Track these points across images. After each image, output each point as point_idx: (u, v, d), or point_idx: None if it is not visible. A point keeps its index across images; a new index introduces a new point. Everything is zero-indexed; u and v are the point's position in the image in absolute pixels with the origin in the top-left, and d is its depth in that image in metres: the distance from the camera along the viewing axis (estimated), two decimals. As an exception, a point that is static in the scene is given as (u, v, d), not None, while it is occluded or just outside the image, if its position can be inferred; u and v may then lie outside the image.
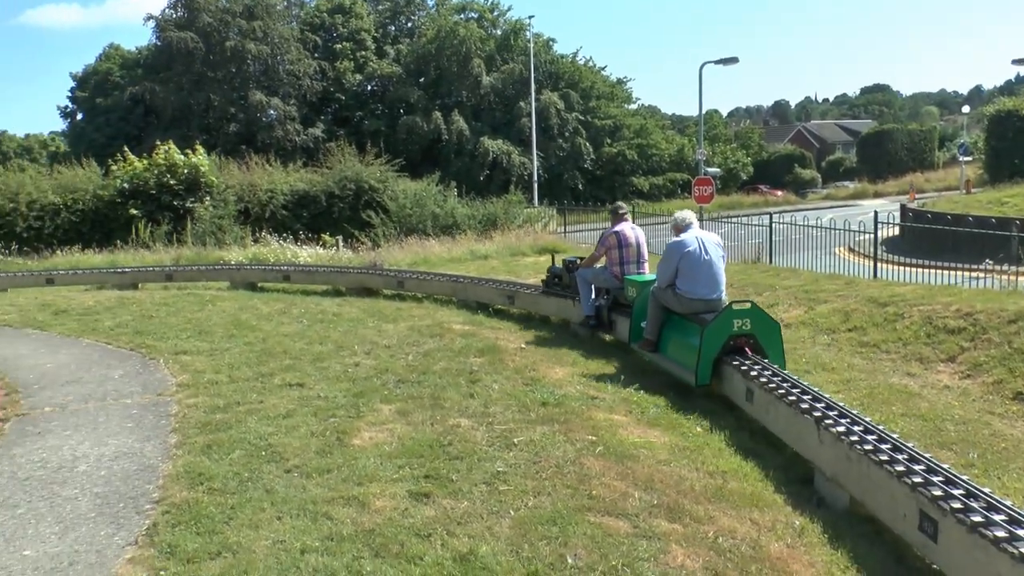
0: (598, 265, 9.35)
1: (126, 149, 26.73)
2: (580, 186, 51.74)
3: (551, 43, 54.86)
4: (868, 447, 4.43)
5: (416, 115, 49.41)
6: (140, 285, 15.19)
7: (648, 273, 8.88)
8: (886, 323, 8.95)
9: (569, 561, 3.82)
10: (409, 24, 58.45)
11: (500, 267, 15.76)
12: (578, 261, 9.96)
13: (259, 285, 14.23)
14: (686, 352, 7.07)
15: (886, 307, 9.30)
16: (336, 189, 26.79)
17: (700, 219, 20.82)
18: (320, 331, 9.47)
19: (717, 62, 25.46)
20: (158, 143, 26.85)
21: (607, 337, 9.17)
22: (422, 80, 52.95)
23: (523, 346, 8.39)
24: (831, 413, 4.99)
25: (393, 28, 58.33)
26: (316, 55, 51.96)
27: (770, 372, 6.00)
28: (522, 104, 49.38)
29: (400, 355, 8.03)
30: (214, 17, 47.94)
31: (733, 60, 25.36)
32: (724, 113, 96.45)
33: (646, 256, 9.20)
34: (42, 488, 5.15)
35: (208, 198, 24.37)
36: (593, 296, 9.26)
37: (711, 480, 4.84)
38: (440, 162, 46.52)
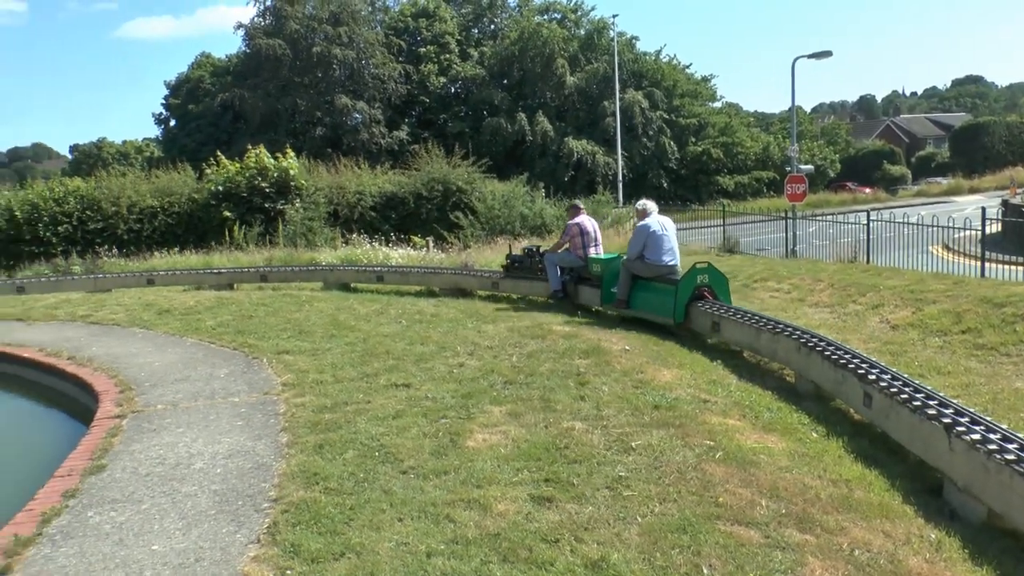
0: (561, 250, 11.75)
1: (219, 153, 27.32)
2: (665, 185, 51.22)
3: (634, 41, 54.48)
4: (1010, 456, 4.19)
5: (500, 117, 49.56)
6: (236, 285, 15.46)
7: (603, 253, 11.59)
8: (1004, 325, 8.56)
9: (705, 572, 3.69)
10: (492, 26, 58.66)
11: (589, 268, 15.63)
12: (535, 249, 12.67)
13: (352, 286, 14.35)
14: (658, 303, 9.71)
15: (1003, 308, 8.90)
16: (424, 191, 26.97)
17: (792, 217, 20.49)
18: (420, 331, 9.46)
19: (810, 56, 24.81)
20: (248, 147, 27.40)
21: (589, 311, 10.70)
22: (506, 82, 53.12)
23: (627, 348, 8.24)
24: (962, 419, 4.75)
25: (476, 31, 58.64)
26: (400, 59, 52.53)
27: (889, 376, 5.77)
28: (606, 104, 49.15)
29: (504, 356, 7.95)
30: (301, 24, 48.80)
31: (827, 54, 24.68)
32: (808, 109, 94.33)
33: (600, 240, 11.84)
34: (163, 484, 5.23)
35: (298, 200, 24.76)
36: (559, 274, 11.71)
37: (836, 488, 4.64)
38: (524, 163, 46.57)
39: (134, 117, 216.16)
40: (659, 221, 10.17)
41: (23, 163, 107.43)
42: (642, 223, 10.16)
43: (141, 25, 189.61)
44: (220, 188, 24.86)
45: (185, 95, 55.44)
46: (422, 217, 26.69)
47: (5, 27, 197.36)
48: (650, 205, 10.54)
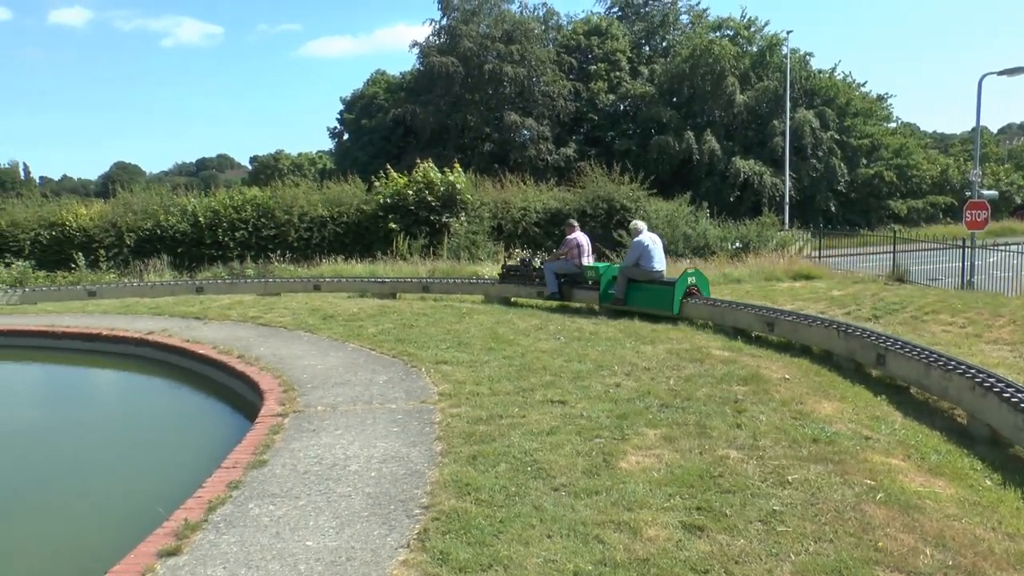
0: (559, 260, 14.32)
1: (388, 167, 28.15)
2: (833, 208, 49.24)
3: (808, 58, 52.63)
4: None
5: (668, 135, 49.02)
6: (398, 295, 15.86)
7: (595, 262, 14.48)
8: None
9: (863, 618, 3.50)
10: (664, 43, 58.19)
11: (754, 292, 15.20)
12: (527, 260, 15.38)
13: (513, 300, 14.47)
14: (657, 300, 12.38)
15: None
16: (588, 208, 26.95)
17: (971, 246, 19.29)
18: (578, 349, 9.42)
19: (1000, 73, 23.12)
20: (418, 161, 28.12)
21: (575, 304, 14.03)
22: (675, 100, 52.51)
23: (786, 376, 7.95)
24: None
25: (647, 48, 58.32)
26: (571, 76, 52.84)
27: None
28: (775, 123, 47.84)
29: (661, 378, 7.82)
30: (474, 42, 49.82)
31: (1020, 70, 22.97)
32: (994, 130, 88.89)
33: (591, 251, 14.58)
34: (319, 483, 5.40)
35: (463, 214, 25.20)
36: (555, 280, 14.07)
37: (1013, 544, 4.30)
38: (690, 182, 45.85)
39: (310, 131, 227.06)
40: (650, 237, 13.11)
41: (208, 172, 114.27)
42: (637, 239, 12.99)
43: (322, 45, 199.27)
44: (388, 200, 25.60)
45: (359, 110, 57.58)
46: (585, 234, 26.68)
47: (204, 49, 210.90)
48: (641, 225, 13.53)
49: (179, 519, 4.87)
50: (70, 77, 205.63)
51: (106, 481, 7.51)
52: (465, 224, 24.71)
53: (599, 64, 53.57)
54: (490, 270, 18.27)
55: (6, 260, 24.89)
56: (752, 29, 55.00)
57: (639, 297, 12.66)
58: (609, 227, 26.05)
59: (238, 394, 9.53)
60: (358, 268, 20.91)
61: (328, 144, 70.56)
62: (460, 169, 26.67)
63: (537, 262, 15.29)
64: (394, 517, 4.74)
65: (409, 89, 54.05)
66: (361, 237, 25.99)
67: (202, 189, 35.40)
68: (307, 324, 12.31)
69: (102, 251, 25.54)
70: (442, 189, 25.19)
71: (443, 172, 25.91)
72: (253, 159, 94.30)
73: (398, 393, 7.80)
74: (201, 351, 11.06)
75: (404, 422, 6.75)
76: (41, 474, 7.80)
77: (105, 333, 13.32)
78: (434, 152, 42.55)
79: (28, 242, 26.56)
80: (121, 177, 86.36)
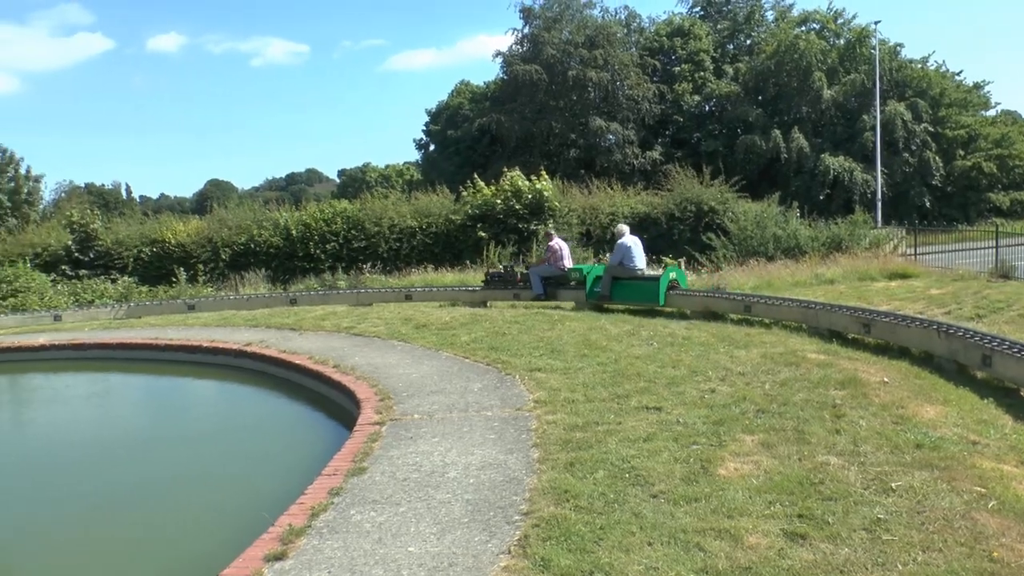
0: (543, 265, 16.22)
1: (475, 176, 28.38)
2: (927, 204, 47.68)
3: (898, 49, 51.20)
4: None
5: (754, 134, 48.29)
6: (489, 303, 15.98)
7: (575, 264, 16.63)
8: None
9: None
10: (748, 41, 57.34)
11: (848, 292, 14.88)
12: (511, 266, 17.61)
13: (604, 306, 14.45)
14: (643, 293, 14.13)
15: None
16: (676, 211, 26.73)
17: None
18: (671, 354, 9.37)
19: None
20: (504, 170, 28.28)
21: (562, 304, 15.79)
22: (760, 98, 51.68)
23: (885, 380, 7.77)
24: None
25: (732, 46, 57.56)
26: (655, 79, 52.52)
27: None
28: (865, 117, 46.63)
29: (756, 383, 7.73)
30: (557, 49, 49.91)
31: None
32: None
33: (570, 254, 16.50)
34: (418, 490, 5.49)
35: (551, 221, 25.24)
36: (541, 283, 15.86)
37: None
38: (778, 181, 45.02)
39: (396, 143, 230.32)
40: (632, 240, 14.90)
41: (298, 187, 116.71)
42: (620, 241, 14.79)
43: (406, 58, 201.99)
44: (476, 210, 25.81)
45: (445, 121, 58.24)
46: (674, 238, 26.43)
47: (292, 67, 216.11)
48: (624, 228, 15.31)
49: (284, 524, 5.01)
50: (166, 100, 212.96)
51: (212, 487, 7.75)
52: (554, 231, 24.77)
53: (683, 65, 53.13)
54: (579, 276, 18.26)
55: (112, 276, 25.90)
56: (839, 22, 53.66)
57: (624, 292, 14.43)
58: (698, 230, 25.82)
59: (335, 403, 9.73)
60: (448, 277, 21.11)
61: (414, 155, 71.63)
62: (547, 176, 26.73)
63: (522, 269, 17.44)
64: (494, 523, 4.79)
65: (493, 98, 54.43)
66: (450, 246, 26.25)
67: (292, 203, 36.22)
68: (400, 333, 12.49)
69: (200, 266, 26.35)
70: (529, 197, 25.29)
71: (530, 180, 26.01)
72: (341, 172, 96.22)
73: (493, 400, 7.87)
74: (298, 361, 11.32)
75: (500, 429, 6.81)
76: (151, 479, 8.09)
77: (206, 345, 13.75)
78: (520, 160, 42.74)
79: (131, 259, 27.59)
80: (214, 194, 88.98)
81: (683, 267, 19.34)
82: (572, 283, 15.69)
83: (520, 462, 5.88)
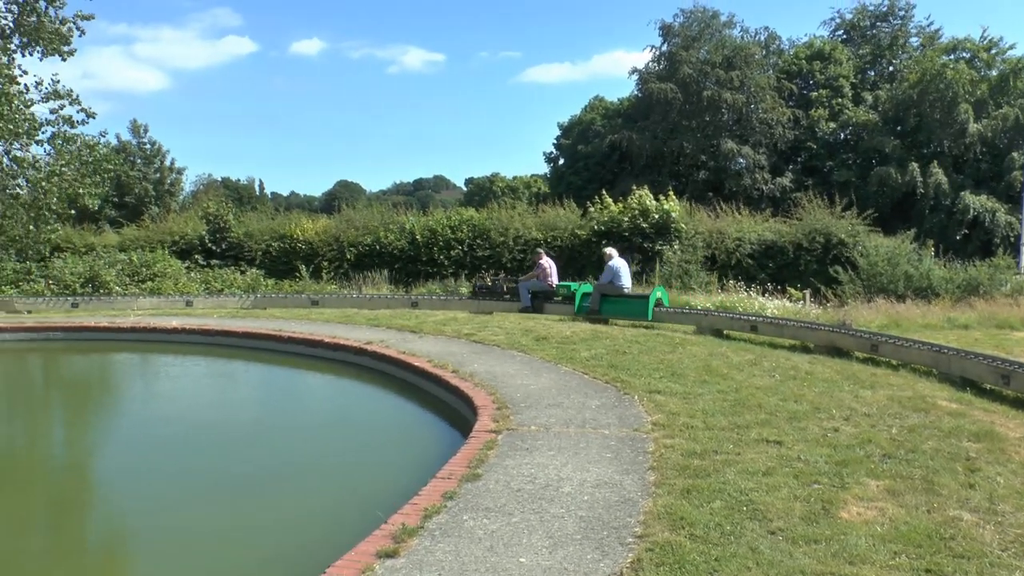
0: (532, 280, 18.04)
1: (604, 192, 28.31)
2: (1082, 252, 45.02)
3: (1062, 81, 48.35)
4: None
5: (890, 166, 46.49)
6: (610, 320, 15.91)
7: (562, 282, 18.68)
8: None
9: None
10: (891, 68, 55.39)
11: (984, 339, 14.19)
12: (499, 279, 19.90)
13: (725, 333, 14.22)
14: (632, 310, 15.92)
15: None
16: (804, 241, 26.04)
17: None
18: (794, 388, 9.14)
19: None
20: (633, 188, 28.13)
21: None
22: (899, 128, 49.68)
23: (1026, 434, 7.40)
24: None
25: (872, 72, 55.66)
26: (790, 103, 51.36)
27: None
28: (1015, 155, 44.33)
29: (882, 426, 7.46)
30: (694, 68, 49.40)
31: None
32: None
33: (556, 273, 18.43)
34: (532, 502, 5.51)
35: (677, 242, 24.98)
36: (528, 296, 17.78)
37: None
38: (913, 217, 43.30)
39: (525, 155, 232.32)
40: (620, 262, 16.71)
41: (425, 192, 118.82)
42: (611, 263, 16.57)
43: (540, 71, 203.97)
44: (602, 226, 25.76)
45: (576, 136, 58.30)
46: (800, 268, 25.77)
47: (427, 76, 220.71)
48: (613, 251, 17.23)
49: (397, 523, 5.10)
50: (303, 102, 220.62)
51: (325, 479, 7.95)
52: (678, 253, 24.49)
53: (820, 90, 51.73)
54: (703, 300, 18.04)
55: (241, 268, 26.91)
56: (993, 51, 51.04)
57: (612, 308, 16.24)
58: (825, 262, 25.08)
59: (451, 407, 9.87)
60: (560, 292, 21.09)
61: (543, 168, 71.96)
62: (674, 197, 26.48)
63: (510, 283, 19.38)
64: (607, 543, 4.77)
65: (626, 115, 54.24)
66: (574, 261, 26.24)
67: (419, 208, 36.87)
68: (520, 344, 12.57)
69: (325, 263, 27.10)
70: (656, 217, 25.09)
71: (657, 199, 25.81)
72: (468, 181, 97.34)
73: (611, 419, 7.85)
74: (417, 363, 11.53)
75: (617, 449, 6.78)
76: (266, 467, 8.36)
77: (327, 340, 14.14)
78: (648, 179, 42.47)
79: (260, 252, 28.57)
80: (343, 194, 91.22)
81: (807, 299, 18.92)
82: (558, 298, 17.72)
83: (636, 484, 5.85)
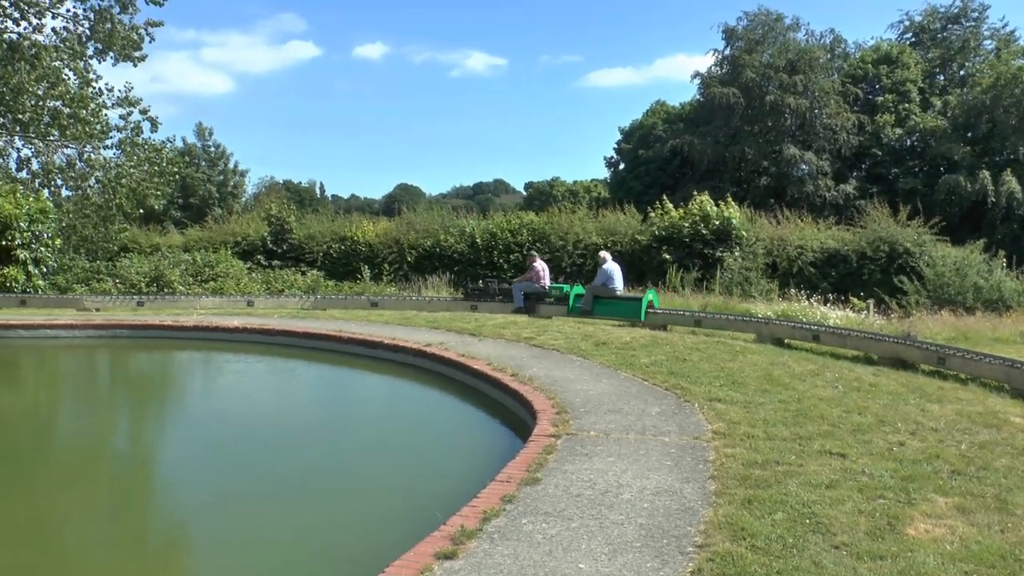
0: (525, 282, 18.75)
1: (664, 198, 28.15)
2: None
3: None
4: None
5: (959, 174, 45.44)
6: (669, 327, 15.80)
7: (554, 283, 19.14)
8: None
9: None
10: (961, 72, 54.15)
11: (1059, 354, 13.80)
12: (491, 281, 21.04)
13: (786, 341, 14.02)
14: (625, 310, 16.84)
15: None
16: (868, 250, 25.59)
17: None
18: (857, 400, 8.96)
19: None
20: (694, 193, 27.95)
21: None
22: (970, 135, 48.53)
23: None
24: None
25: (942, 77, 54.53)
26: (855, 108, 50.50)
27: None
28: (1098, 163, 43.06)
29: (950, 442, 7.28)
30: (757, 72, 48.95)
31: None
32: None
33: (549, 276, 19.00)
34: (591, 507, 5.48)
35: (738, 249, 24.75)
36: (521, 297, 18.41)
37: None
38: (983, 227, 42.24)
39: (585, 159, 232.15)
40: (613, 265, 17.69)
41: (484, 196, 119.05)
42: (604, 267, 17.60)
43: (602, 75, 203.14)
44: (663, 232, 25.60)
45: (637, 140, 58.16)
46: (863, 277, 25.33)
47: (489, 80, 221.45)
48: (607, 255, 18.37)
49: (456, 525, 5.11)
50: (365, 106, 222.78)
51: (383, 479, 7.99)
52: (739, 259, 24.26)
53: (887, 95, 50.83)
54: (763, 308, 17.81)
55: (301, 269, 27.30)
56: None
57: (604, 309, 17.12)
58: (889, 271, 24.64)
59: (509, 411, 9.86)
60: (629, 297, 20.98)
61: (603, 173, 71.94)
62: (735, 203, 26.24)
63: (503, 285, 20.22)
64: (667, 552, 4.72)
65: (688, 120, 53.99)
66: (634, 267, 26.15)
67: (479, 212, 37.04)
68: (579, 349, 12.53)
69: (385, 265, 27.37)
70: (717, 223, 24.90)
71: (718, 205, 25.60)
72: (528, 185, 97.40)
73: (671, 426, 7.78)
74: (476, 366, 11.54)
75: (677, 456, 6.72)
76: (325, 466, 8.45)
77: (387, 342, 14.23)
78: (709, 184, 42.15)
79: (321, 253, 28.98)
80: (403, 197, 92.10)
81: (871, 309, 18.61)
82: (551, 300, 18.33)
83: (696, 493, 5.79)
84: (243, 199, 60.47)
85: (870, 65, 52.69)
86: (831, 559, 4.58)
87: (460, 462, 8.46)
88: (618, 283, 17.45)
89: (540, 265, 18.94)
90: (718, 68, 52.21)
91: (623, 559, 4.62)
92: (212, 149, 59.78)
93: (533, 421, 8.27)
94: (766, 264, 25.13)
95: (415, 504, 6.83)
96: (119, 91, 26.92)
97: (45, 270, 22.82)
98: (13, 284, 21.19)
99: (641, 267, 25.84)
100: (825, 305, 18.72)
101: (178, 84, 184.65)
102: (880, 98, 51.13)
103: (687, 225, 25.13)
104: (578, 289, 18.03)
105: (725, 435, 7.35)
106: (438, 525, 5.17)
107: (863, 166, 51.96)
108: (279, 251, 29.29)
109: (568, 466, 6.45)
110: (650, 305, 16.71)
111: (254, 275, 25.84)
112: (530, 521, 5.21)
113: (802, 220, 28.75)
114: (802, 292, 20.41)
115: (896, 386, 9.96)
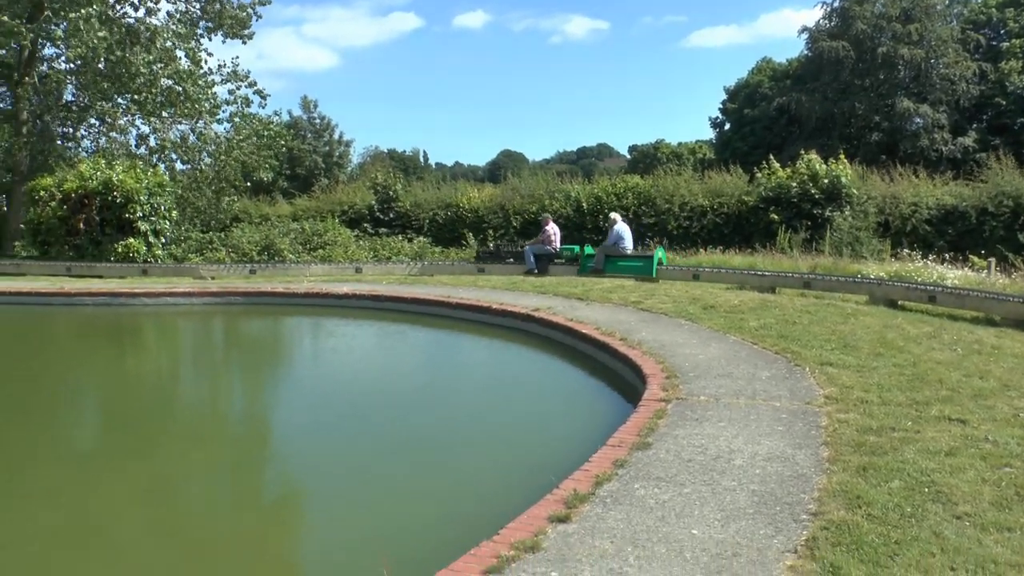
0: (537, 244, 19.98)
1: (771, 158, 27.49)
2: None
3: None
4: None
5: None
6: (777, 289, 15.50)
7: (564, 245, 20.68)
8: None
9: None
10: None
11: None
12: (500, 245, 22.73)
13: (899, 303, 13.61)
14: (637, 268, 18.15)
15: None
16: (990, 205, 24.40)
17: None
18: (978, 363, 8.65)
19: None
20: (801, 152, 27.19)
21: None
22: (1109, 77, 45.70)
23: None
24: None
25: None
26: (976, 56, 48.04)
27: None
28: None
29: (1084, 406, 6.99)
30: (868, 23, 47.08)
31: None
32: None
33: (559, 238, 20.31)
34: (703, 473, 5.48)
35: (848, 208, 24.02)
36: (532, 258, 19.47)
37: None
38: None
39: (690, 120, 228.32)
40: (623, 226, 19.22)
41: (588, 160, 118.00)
42: (616, 227, 19.07)
43: (705, 35, 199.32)
44: (770, 192, 25.06)
45: (742, 99, 56.84)
46: (984, 235, 24.18)
47: (590, 44, 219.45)
48: (617, 216, 19.94)
49: (568, 489, 5.16)
50: (467, 74, 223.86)
51: (493, 443, 8.12)
52: (849, 219, 23.53)
53: (1013, 40, 48.05)
54: (875, 269, 17.28)
55: (408, 236, 27.71)
56: None
57: (615, 267, 18.46)
58: (1014, 228, 23.54)
59: (618, 375, 9.88)
60: (736, 260, 20.67)
61: (708, 134, 70.55)
62: (845, 160, 25.41)
63: (515, 248, 21.41)
64: (780, 519, 4.68)
65: (795, 77, 52.47)
66: (740, 228, 25.70)
67: (583, 176, 36.87)
68: (687, 312, 12.43)
69: (490, 231, 27.53)
70: (826, 181, 24.18)
71: (827, 163, 24.86)
72: (632, 148, 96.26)
73: (781, 391, 7.68)
74: (584, 331, 11.58)
75: (788, 422, 6.64)
76: (436, 429, 8.62)
77: (495, 307, 14.38)
78: (818, 142, 40.87)
79: (427, 220, 29.36)
80: (506, 164, 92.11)
81: (992, 268, 17.84)
82: (562, 260, 19.82)
83: (809, 459, 5.71)
84: (348, 169, 61.48)
85: (994, 9, 49.97)
86: (953, 530, 4.45)
87: (569, 426, 8.53)
88: (628, 243, 19.08)
89: (552, 228, 20.26)
90: (826, 21, 50.38)
91: (736, 526, 4.60)
92: (317, 121, 60.88)
93: (643, 385, 8.28)
94: (878, 223, 24.28)
95: (526, 467, 6.93)
96: (228, 66, 27.79)
97: (164, 241, 23.81)
98: (135, 254, 22.18)
99: (748, 229, 25.33)
100: (942, 264, 18.06)
101: (282, 60, 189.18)
102: (1005, 44, 48.33)
103: (795, 185, 24.47)
104: (588, 250, 19.67)
105: (838, 400, 7.21)
106: (551, 488, 5.24)
107: (984, 117, 49.42)
108: (386, 219, 29.76)
109: (679, 431, 6.45)
110: (659, 262, 18.18)
111: (361, 243, 26.35)
112: (642, 486, 5.23)
113: (916, 176, 27.62)
114: (916, 251, 19.70)
115: (1022, 348, 9.59)
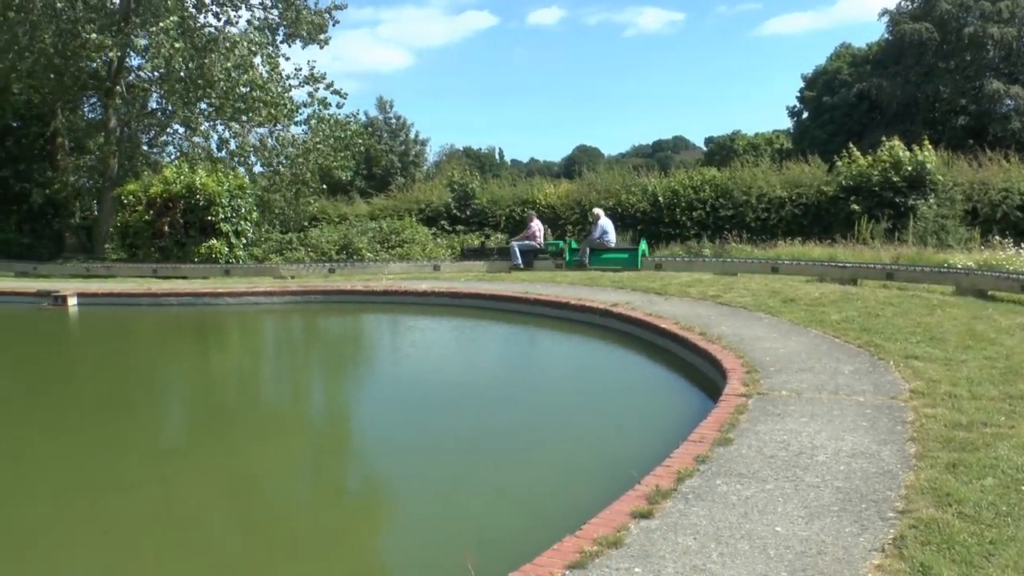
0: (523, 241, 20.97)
1: (851, 145, 26.90)
2: None
3: None
4: None
5: None
6: (859, 281, 15.16)
7: (549, 240, 21.89)
8: None
9: None
10: None
11: None
12: (484, 242, 24.45)
13: (989, 293, 13.19)
14: (622, 260, 19.40)
15: None
16: (1088, 190, 23.52)
17: None
18: (1076, 355, 8.38)
19: None
20: (882, 139, 26.55)
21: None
22: None
23: None
24: None
25: None
26: (1076, 30, 46.16)
27: None
28: None
29: None
30: (953, 3, 45.67)
31: None
32: None
33: (543, 235, 21.44)
34: (786, 469, 5.41)
35: (932, 196, 23.38)
36: (519, 254, 20.43)
37: None
38: None
39: (767, 110, 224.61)
40: (607, 221, 20.40)
41: (664, 154, 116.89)
42: (600, 222, 20.18)
43: (781, 22, 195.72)
44: (850, 181, 24.54)
45: (821, 87, 55.69)
46: (1085, 222, 23.30)
47: (664, 36, 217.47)
48: (600, 212, 20.96)
49: (650, 484, 5.15)
50: (541, 71, 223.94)
51: (574, 438, 8.12)
52: (934, 207, 22.88)
53: (1110, 18, 46.18)
54: (963, 258, 16.79)
55: (485, 232, 27.86)
56: None
57: (600, 260, 19.59)
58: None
59: (697, 370, 9.81)
60: (816, 251, 20.30)
61: (785, 123, 69.28)
62: (930, 146, 24.72)
63: (493, 244, 23.37)
64: (866, 517, 4.59)
65: (876, 61, 51.17)
66: (819, 219, 25.21)
67: (659, 170, 36.60)
68: (767, 306, 12.28)
69: (568, 227, 27.51)
70: (909, 169, 23.56)
71: (910, 150, 24.22)
72: (708, 140, 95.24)
73: (865, 385, 7.54)
74: (663, 326, 11.53)
75: (873, 417, 6.51)
76: (516, 425, 8.67)
77: (573, 303, 14.40)
78: (899, 128, 39.81)
79: (503, 217, 29.44)
80: (581, 159, 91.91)
81: None
82: (546, 256, 20.68)
83: (895, 455, 5.59)
84: (424, 167, 61.96)
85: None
86: (1065, 529, 4.29)
87: (650, 421, 8.50)
88: (611, 236, 20.34)
89: (536, 224, 21.26)
90: (908, 3, 49.06)
91: (820, 523, 4.54)
92: (393, 121, 61.48)
93: (723, 380, 8.21)
94: (965, 211, 23.52)
95: (607, 462, 6.92)
96: (305, 70, 28.32)
97: (245, 242, 24.40)
98: (218, 255, 22.80)
99: (828, 219, 24.82)
100: (1035, 253, 17.46)
101: (357, 61, 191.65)
102: (1102, 21, 46.50)
103: (876, 173, 23.90)
104: (572, 244, 20.84)
105: (924, 394, 7.04)
106: (633, 484, 5.24)
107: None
108: (463, 216, 29.95)
109: (760, 426, 6.38)
110: (643, 254, 19.44)
111: (439, 240, 26.62)
112: (724, 482, 5.20)
113: (1007, 161, 26.70)
114: (1008, 239, 19.08)
115: (1121, 340, 9.23)
